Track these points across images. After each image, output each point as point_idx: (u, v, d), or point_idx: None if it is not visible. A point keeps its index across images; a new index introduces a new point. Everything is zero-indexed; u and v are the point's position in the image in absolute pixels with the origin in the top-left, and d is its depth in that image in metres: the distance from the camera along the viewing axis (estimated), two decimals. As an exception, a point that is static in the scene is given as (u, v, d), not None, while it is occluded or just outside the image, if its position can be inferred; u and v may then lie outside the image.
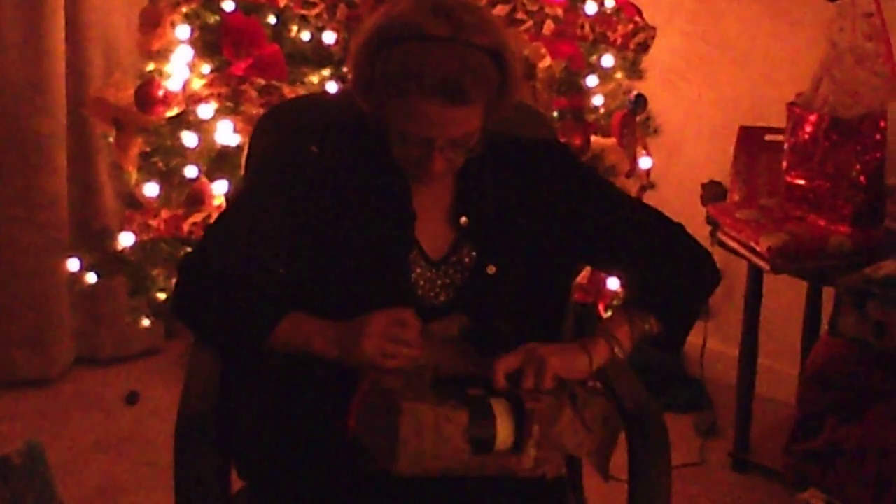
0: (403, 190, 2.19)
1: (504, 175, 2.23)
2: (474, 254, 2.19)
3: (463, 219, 2.20)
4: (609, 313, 3.54)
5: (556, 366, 2.02)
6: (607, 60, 3.65)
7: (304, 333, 2.08)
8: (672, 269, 2.20)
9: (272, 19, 3.45)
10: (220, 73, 3.38)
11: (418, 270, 2.17)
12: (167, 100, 3.38)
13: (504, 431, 1.94)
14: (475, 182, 2.21)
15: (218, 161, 3.42)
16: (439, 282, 2.17)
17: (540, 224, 2.22)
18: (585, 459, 2.07)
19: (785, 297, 3.94)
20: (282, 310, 2.10)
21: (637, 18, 3.63)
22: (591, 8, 3.51)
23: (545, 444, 1.95)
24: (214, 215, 3.22)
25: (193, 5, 3.47)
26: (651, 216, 2.29)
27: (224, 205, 3.34)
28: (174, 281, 2.29)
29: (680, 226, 2.28)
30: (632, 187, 3.67)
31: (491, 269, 2.17)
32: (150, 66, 3.49)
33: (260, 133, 2.48)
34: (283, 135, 2.33)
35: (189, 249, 3.31)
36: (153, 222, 3.42)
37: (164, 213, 3.40)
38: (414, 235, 2.18)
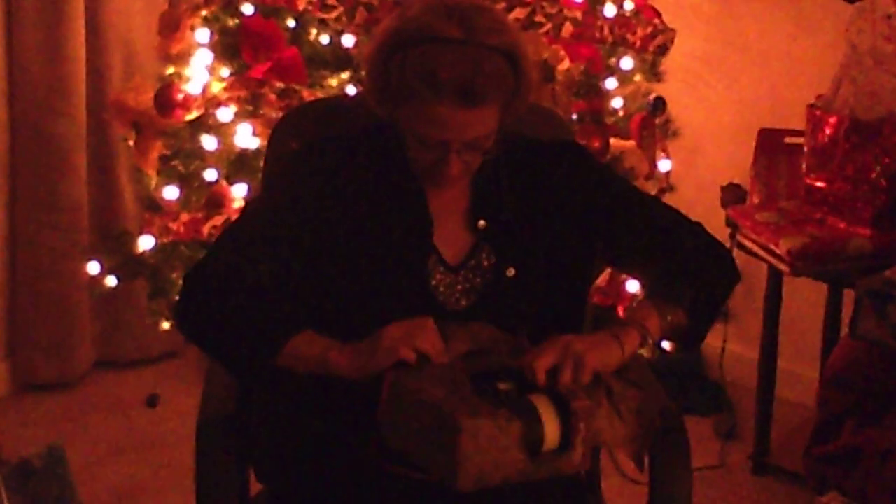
0: (419, 196, 2.18)
1: (520, 176, 2.23)
2: (493, 257, 2.18)
3: (481, 222, 2.19)
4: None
5: (594, 361, 1.99)
6: (626, 63, 3.65)
7: (319, 347, 2.04)
8: (695, 264, 2.19)
9: (291, 23, 3.46)
10: (240, 77, 3.38)
11: (438, 276, 2.16)
12: (187, 103, 3.38)
13: (552, 432, 1.91)
14: (492, 185, 2.21)
15: (237, 164, 3.42)
16: (459, 287, 2.16)
17: (558, 224, 2.21)
18: (620, 451, 2.05)
19: (805, 299, 3.93)
20: (293, 326, 2.07)
21: (656, 21, 3.63)
22: (610, 10, 3.51)
23: (587, 441, 1.94)
24: (234, 218, 3.22)
25: (213, 9, 3.47)
26: (669, 214, 2.29)
27: (242, 209, 3.34)
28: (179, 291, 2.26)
29: (699, 224, 2.28)
30: (651, 190, 3.66)
31: (511, 272, 2.17)
32: (170, 70, 3.50)
33: (278, 136, 2.49)
34: (298, 145, 2.34)
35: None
36: (173, 225, 3.43)
37: (184, 217, 3.41)
38: (431, 241, 2.17)
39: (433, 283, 2.16)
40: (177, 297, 2.23)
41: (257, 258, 2.14)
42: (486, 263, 2.18)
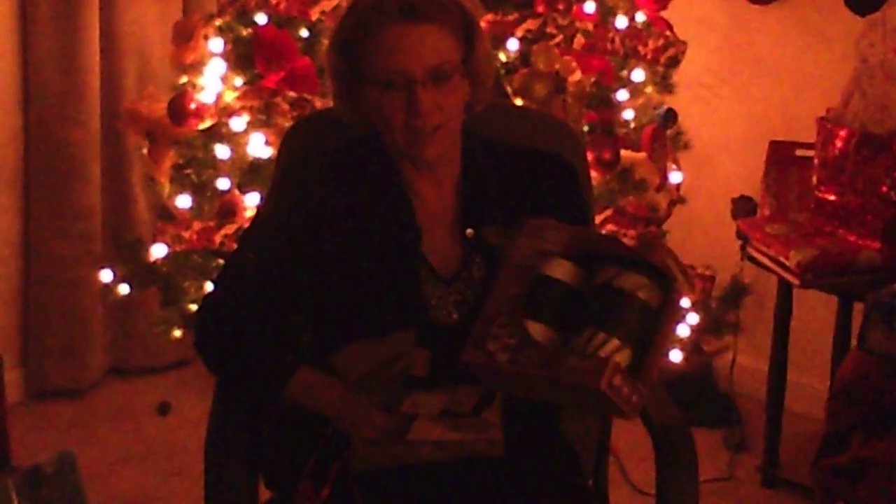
0: (406, 205, 2.19)
1: (508, 184, 2.23)
2: (484, 268, 2.17)
3: (469, 230, 2.19)
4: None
5: None
6: (638, 75, 3.66)
7: (313, 396, 2.12)
8: None
9: (304, 33, 3.47)
10: (253, 86, 3.39)
11: (429, 289, 2.16)
12: (200, 112, 3.40)
13: None
14: (478, 192, 2.21)
15: (250, 173, 3.43)
16: (451, 299, 2.16)
17: None
18: None
19: (815, 312, 3.93)
20: (291, 365, 2.13)
21: (667, 33, 3.63)
22: (621, 22, 3.51)
23: None
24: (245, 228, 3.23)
25: (227, 18, 3.48)
26: None
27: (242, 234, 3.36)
28: (195, 319, 2.32)
29: None
30: (662, 202, 3.67)
31: None
32: (184, 79, 3.51)
33: (287, 145, 2.50)
34: (291, 161, 2.39)
35: (221, 261, 3.33)
36: (185, 234, 3.44)
37: (197, 225, 3.42)
38: (420, 251, 2.17)
39: (425, 295, 2.16)
40: (194, 326, 2.29)
41: (259, 286, 2.20)
42: (476, 275, 2.17)
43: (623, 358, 1.83)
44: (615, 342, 1.83)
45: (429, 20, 2.06)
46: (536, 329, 1.90)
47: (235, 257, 2.31)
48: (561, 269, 1.93)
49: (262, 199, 3.41)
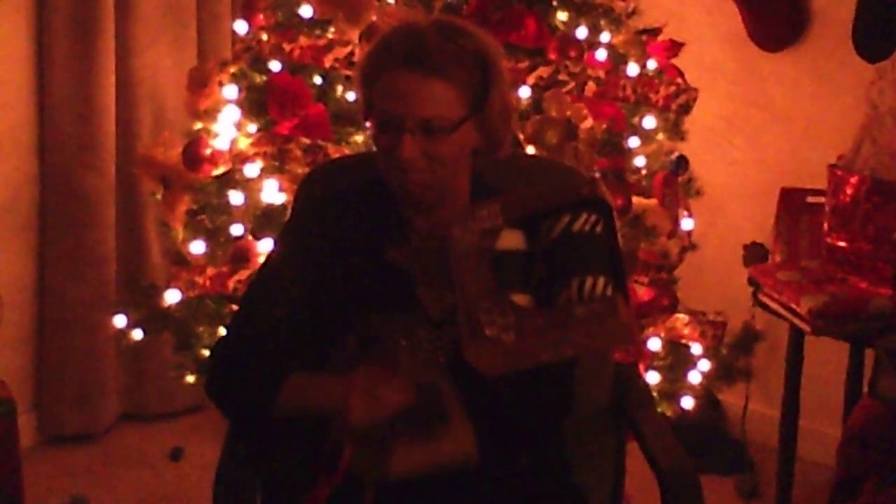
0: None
1: None
2: None
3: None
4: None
5: None
6: (649, 122, 3.67)
7: (311, 395, 2.12)
8: None
9: (318, 80, 3.49)
10: (267, 133, 3.41)
11: (420, 332, 2.17)
12: (214, 158, 3.41)
13: None
14: None
15: (263, 219, 3.45)
16: (440, 343, 2.17)
17: None
18: None
19: (827, 358, 3.93)
20: (284, 372, 2.14)
21: (679, 80, 3.65)
22: (633, 70, 3.53)
23: None
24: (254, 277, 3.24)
25: (241, 65, 3.51)
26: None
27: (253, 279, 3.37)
28: (208, 365, 2.33)
29: None
30: (673, 248, 3.67)
31: None
32: (198, 125, 3.53)
33: (302, 192, 2.52)
34: (300, 206, 2.39)
35: (234, 307, 3.34)
36: (199, 279, 3.45)
37: (210, 271, 3.43)
38: (414, 296, 2.19)
39: (416, 339, 2.17)
40: (207, 371, 2.29)
41: (270, 330, 2.21)
42: None
43: (612, 290, 1.88)
44: (602, 279, 1.87)
45: (434, 73, 2.07)
46: (522, 300, 1.91)
47: (245, 303, 2.33)
48: (513, 240, 1.96)
49: (275, 244, 3.43)
